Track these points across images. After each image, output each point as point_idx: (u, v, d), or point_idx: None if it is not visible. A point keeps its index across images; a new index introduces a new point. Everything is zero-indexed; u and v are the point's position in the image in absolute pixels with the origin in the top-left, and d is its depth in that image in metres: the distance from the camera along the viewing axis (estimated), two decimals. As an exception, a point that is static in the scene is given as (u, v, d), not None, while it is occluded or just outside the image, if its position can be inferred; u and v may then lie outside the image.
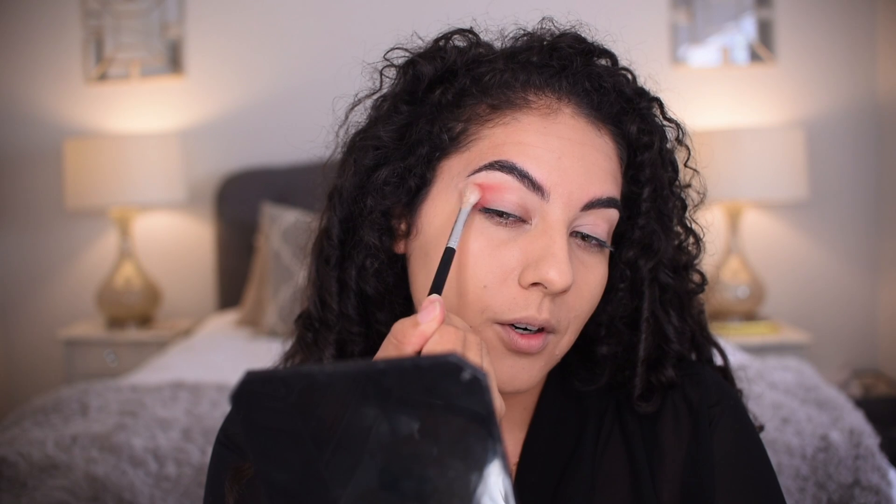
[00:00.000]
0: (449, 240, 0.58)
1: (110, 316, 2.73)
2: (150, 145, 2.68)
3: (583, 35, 0.67)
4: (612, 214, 0.63)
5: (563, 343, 0.63)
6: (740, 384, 0.78)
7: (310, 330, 0.72)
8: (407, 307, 0.70)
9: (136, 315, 2.72)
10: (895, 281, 2.74)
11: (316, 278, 0.71)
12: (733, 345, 2.20)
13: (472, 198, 0.59)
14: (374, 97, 0.70)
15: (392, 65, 0.69)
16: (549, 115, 0.62)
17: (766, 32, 2.80)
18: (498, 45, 0.69)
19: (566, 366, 0.72)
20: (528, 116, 0.62)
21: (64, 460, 1.35)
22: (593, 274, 0.63)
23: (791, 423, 1.43)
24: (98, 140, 2.69)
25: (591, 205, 0.61)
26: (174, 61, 2.91)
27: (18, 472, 1.32)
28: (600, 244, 0.63)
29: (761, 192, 2.54)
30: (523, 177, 0.60)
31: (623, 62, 0.68)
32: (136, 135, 2.75)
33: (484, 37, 0.69)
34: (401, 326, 0.50)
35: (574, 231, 0.62)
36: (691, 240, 0.74)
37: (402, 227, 0.67)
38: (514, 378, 0.61)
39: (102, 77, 2.92)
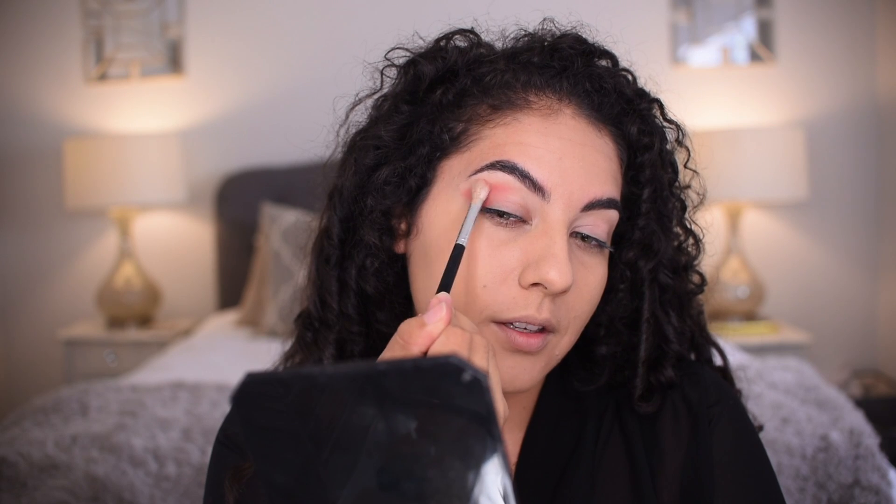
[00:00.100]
0: (458, 237, 0.57)
1: (110, 316, 2.73)
2: (150, 145, 2.68)
3: (584, 36, 0.67)
4: (612, 215, 0.63)
5: (563, 343, 0.63)
6: (740, 384, 0.78)
7: (309, 329, 0.72)
8: (407, 307, 0.70)
9: (136, 315, 2.72)
10: (895, 281, 2.74)
11: (316, 278, 0.71)
12: (733, 345, 2.20)
13: (483, 193, 0.59)
14: (375, 97, 0.70)
15: (393, 64, 0.69)
16: (550, 116, 0.62)
17: (766, 32, 2.80)
18: (499, 45, 0.69)
19: (566, 366, 0.72)
20: (528, 117, 0.62)
21: (64, 460, 1.35)
22: (593, 274, 0.63)
23: (791, 423, 1.43)
24: (98, 140, 2.69)
25: (592, 205, 0.61)
26: (174, 61, 2.91)
27: (18, 472, 1.32)
28: (600, 245, 0.64)
29: (761, 192, 2.54)
30: (524, 177, 0.60)
31: (623, 63, 0.68)
32: (136, 135, 2.75)
33: (485, 37, 0.69)
34: (407, 327, 0.50)
35: (574, 231, 0.62)
36: (691, 241, 0.74)
37: (403, 226, 0.67)
38: (514, 378, 0.61)
39: (102, 77, 2.92)
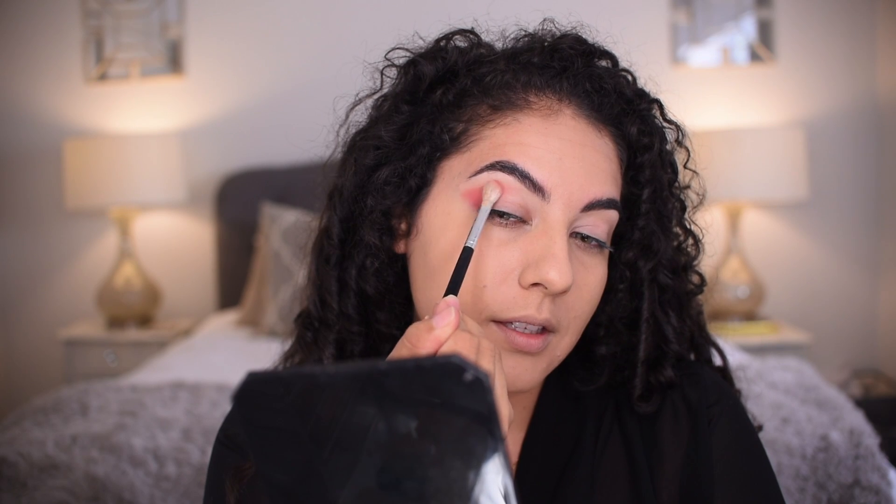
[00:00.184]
0: (467, 239, 0.57)
1: (110, 316, 2.73)
2: (150, 145, 2.68)
3: (583, 36, 0.67)
4: (612, 215, 0.63)
5: (564, 343, 0.63)
6: (739, 384, 0.78)
7: (309, 329, 0.72)
8: (407, 307, 0.70)
9: (136, 315, 2.72)
10: (895, 281, 2.74)
11: (316, 277, 0.71)
12: (733, 345, 2.20)
13: (494, 196, 0.59)
14: (375, 97, 0.70)
15: (393, 65, 0.69)
16: (550, 116, 0.62)
17: (766, 32, 2.80)
18: (499, 45, 0.69)
19: (565, 366, 0.72)
20: (528, 117, 0.62)
21: (64, 460, 1.35)
22: (593, 274, 0.63)
23: (791, 423, 1.43)
24: (98, 140, 2.69)
25: (592, 206, 0.61)
26: (174, 61, 2.91)
27: (18, 472, 1.32)
28: (600, 245, 0.64)
29: (761, 192, 2.54)
30: (524, 177, 0.60)
31: (623, 63, 0.68)
32: (136, 135, 2.76)
33: (485, 37, 0.69)
34: (415, 330, 0.50)
35: (574, 232, 0.62)
36: (690, 241, 0.74)
37: (403, 226, 0.67)
38: (516, 378, 0.61)
39: (102, 77, 2.92)
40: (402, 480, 0.39)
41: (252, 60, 2.90)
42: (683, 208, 0.72)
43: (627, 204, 0.67)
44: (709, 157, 2.23)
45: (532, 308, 0.59)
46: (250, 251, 2.68)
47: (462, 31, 0.68)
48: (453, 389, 0.37)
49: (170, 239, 2.95)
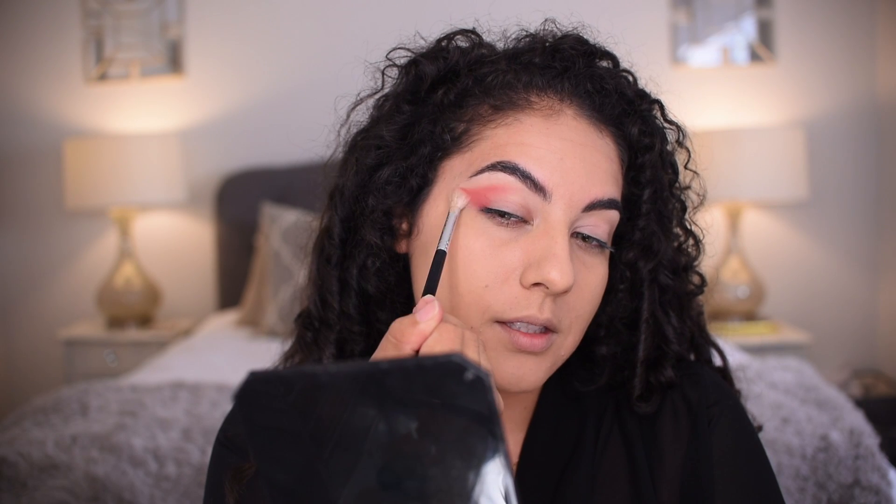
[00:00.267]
0: (439, 243, 0.58)
1: (110, 316, 2.73)
2: (150, 145, 2.68)
3: (585, 37, 0.67)
4: (613, 216, 0.63)
5: (568, 343, 0.63)
6: (739, 384, 0.78)
7: (310, 329, 0.72)
8: (408, 306, 0.70)
9: (136, 315, 2.72)
10: (895, 281, 2.74)
11: (317, 277, 0.71)
12: (733, 345, 2.20)
13: (460, 202, 0.61)
14: (376, 97, 0.70)
15: (394, 64, 0.69)
16: (552, 117, 0.62)
17: (766, 32, 2.80)
18: (500, 45, 0.69)
19: (566, 366, 0.72)
20: (530, 117, 0.62)
21: (64, 460, 1.35)
22: (594, 274, 0.63)
23: (791, 423, 1.43)
24: (98, 140, 2.69)
25: (593, 206, 0.61)
26: (174, 61, 2.91)
27: (18, 472, 1.32)
28: (601, 245, 0.64)
29: (761, 192, 2.54)
30: (525, 178, 0.60)
31: (624, 64, 0.68)
32: (136, 135, 2.76)
33: (486, 37, 0.69)
34: (399, 325, 0.51)
35: (575, 232, 0.62)
36: (691, 241, 0.74)
37: (404, 226, 0.67)
38: (520, 379, 0.61)
39: (102, 77, 2.92)
40: (403, 480, 0.39)
41: (252, 60, 2.90)
42: (684, 209, 0.73)
43: (628, 204, 0.67)
44: (709, 157, 2.23)
45: (534, 308, 0.59)
46: (250, 251, 2.68)
47: (463, 31, 0.68)
48: (454, 389, 0.37)
49: (170, 239, 2.95)
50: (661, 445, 0.68)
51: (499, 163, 0.60)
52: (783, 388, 1.63)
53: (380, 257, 0.67)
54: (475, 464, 0.38)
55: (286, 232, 2.41)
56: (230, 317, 2.61)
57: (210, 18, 2.89)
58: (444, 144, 0.64)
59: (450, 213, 0.60)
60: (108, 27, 2.91)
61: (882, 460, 1.35)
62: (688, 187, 0.73)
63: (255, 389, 0.38)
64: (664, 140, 0.69)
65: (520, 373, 0.61)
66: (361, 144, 0.68)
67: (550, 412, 0.70)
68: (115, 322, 2.72)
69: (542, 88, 0.63)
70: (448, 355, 0.37)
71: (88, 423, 1.53)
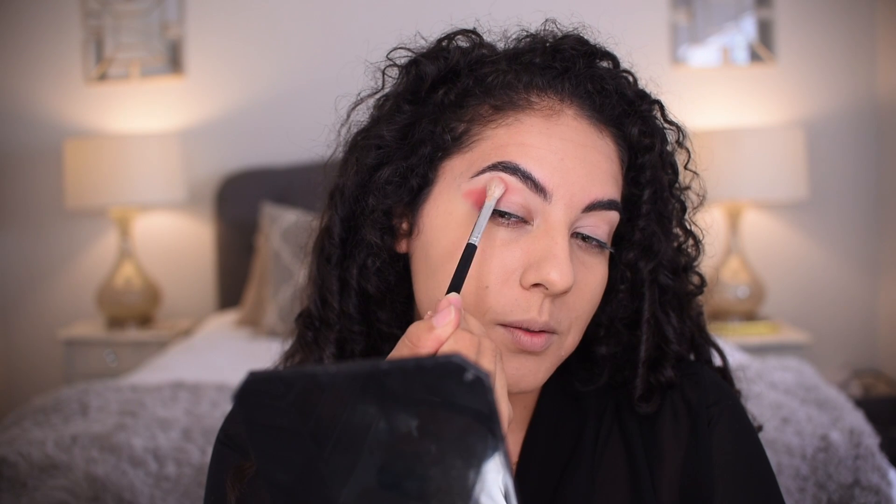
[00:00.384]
0: (471, 235, 0.57)
1: (110, 316, 2.73)
2: (150, 145, 2.68)
3: (585, 37, 0.67)
4: (613, 216, 0.63)
5: (567, 343, 0.63)
6: (739, 384, 0.78)
7: (310, 329, 0.72)
8: (408, 306, 0.70)
9: (136, 315, 2.72)
10: (895, 281, 2.74)
11: (317, 277, 0.71)
12: (733, 345, 2.20)
13: (497, 192, 0.59)
14: (377, 96, 0.70)
15: (395, 64, 0.69)
16: (552, 117, 0.62)
17: (766, 32, 2.80)
18: (501, 45, 0.69)
19: (566, 366, 0.72)
20: (530, 118, 0.62)
21: (64, 460, 1.35)
22: (594, 275, 0.63)
23: (791, 423, 1.43)
24: (98, 140, 2.69)
25: (593, 206, 0.61)
26: (174, 61, 2.91)
27: (18, 472, 1.32)
28: (601, 245, 0.64)
29: (761, 192, 2.55)
30: (526, 178, 0.60)
31: (624, 64, 0.68)
32: (136, 135, 2.76)
33: (487, 38, 0.69)
34: (416, 329, 0.50)
35: (575, 232, 0.62)
36: (691, 242, 0.74)
37: (404, 226, 0.67)
38: (520, 379, 0.61)
39: (102, 77, 2.92)
40: (403, 479, 0.39)
41: (252, 60, 2.90)
42: (684, 209, 0.73)
43: (628, 205, 0.67)
44: (709, 157, 2.23)
45: (533, 311, 0.59)
46: (250, 251, 2.68)
47: (464, 32, 0.69)
48: (454, 389, 0.37)
49: (170, 239, 2.95)
50: (661, 445, 0.68)
51: (499, 163, 0.60)
52: (783, 388, 1.63)
53: (380, 257, 0.67)
54: (475, 463, 0.38)
55: (286, 232, 2.41)
56: (230, 317, 2.61)
57: (210, 18, 2.89)
58: (444, 144, 0.64)
59: (486, 204, 0.59)
60: (108, 27, 2.91)
61: (882, 460, 1.36)
62: (688, 187, 0.73)
63: (255, 389, 0.38)
64: (664, 140, 0.69)
65: (520, 374, 0.61)
66: (362, 144, 0.68)
67: (551, 412, 0.70)
68: (115, 322, 2.72)
69: (542, 89, 0.63)
70: (448, 356, 0.37)
71: (88, 423, 1.53)
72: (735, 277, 2.55)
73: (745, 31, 2.82)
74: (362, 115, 0.71)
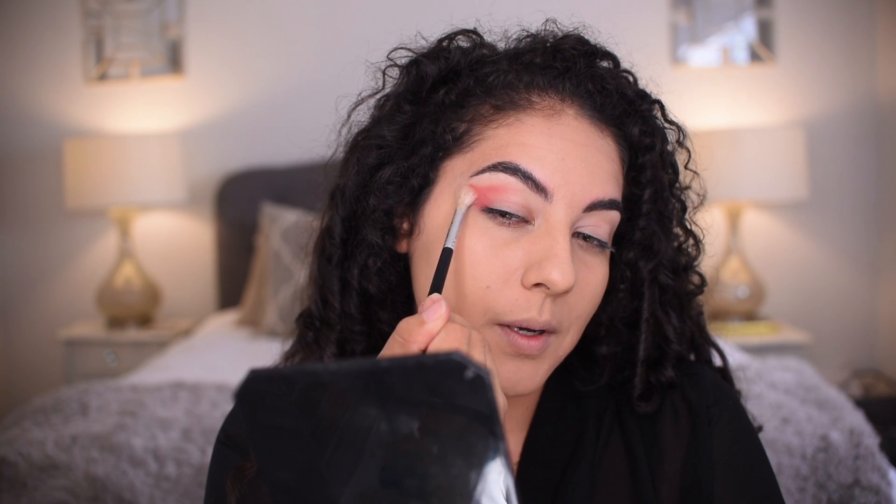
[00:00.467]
0: (446, 240, 0.58)
1: (110, 316, 2.73)
2: (150, 145, 2.68)
3: (585, 37, 0.67)
4: (614, 216, 0.64)
5: (565, 343, 0.63)
6: (739, 384, 0.78)
7: (311, 329, 0.72)
8: (409, 306, 0.70)
9: (136, 315, 2.72)
10: (895, 281, 2.74)
11: (318, 277, 0.71)
12: (733, 345, 2.20)
13: (468, 199, 0.60)
14: (378, 97, 0.70)
15: (395, 64, 0.69)
16: (553, 117, 0.62)
17: (766, 32, 2.80)
18: (501, 45, 0.69)
19: (566, 366, 0.72)
20: (531, 117, 0.62)
21: (64, 460, 1.35)
22: (594, 274, 0.63)
23: (791, 423, 1.43)
24: (98, 140, 2.69)
25: (594, 206, 0.61)
26: (174, 61, 2.91)
27: (18, 472, 1.32)
28: (602, 245, 0.64)
29: (761, 192, 2.55)
30: (527, 178, 0.60)
31: (624, 64, 0.68)
32: (136, 135, 2.76)
33: (487, 38, 0.69)
34: (406, 325, 0.51)
35: (576, 232, 0.62)
36: (691, 241, 0.74)
37: (405, 226, 0.67)
38: (517, 383, 0.61)
39: (102, 77, 2.92)
40: (404, 478, 0.39)
41: (252, 60, 2.90)
42: (684, 209, 0.73)
43: (628, 204, 0.67)
44: (709, 157, 2.23)
45: (534, 311, 0.59)
46: (250, 251, 2.68)
47: (465, 32, 0.69)
48: (454, 387, 0.37)
49: (170, 239, 2.95)
50: (661, 445, 0.68)
51: (500, 163, 0.60)
52: (783, 388, 1.63)
53: (381, 257, 0.67)
54: (476, 463, 0.38)
55: (286, 232, 2.41)
56: (230, 317, 2.61)
57: (210, 18, 2.89)
58: (445, 144, 0.64)
59: (457, 211, 0.60)
60: (108, 27, 2.91)
61: (882, 460, 1.36)
62: (688, 187, 0.73)
63: (256, 388, 0.38)
64: (664, 140, 0.69)
65: (517, 377, 0.61)
66: (362, 144, 0.68)
67: (551, 412, 0.70)
68: (115, 322, 2.72)
69: (543, 88, 0.63)
70: (449, 353, 0.37)
71: (88, 423, 1.53)
72: (735, 277, 2.55)
73: (745, 31, 2.82)
74: (363, 116, 0.71)
